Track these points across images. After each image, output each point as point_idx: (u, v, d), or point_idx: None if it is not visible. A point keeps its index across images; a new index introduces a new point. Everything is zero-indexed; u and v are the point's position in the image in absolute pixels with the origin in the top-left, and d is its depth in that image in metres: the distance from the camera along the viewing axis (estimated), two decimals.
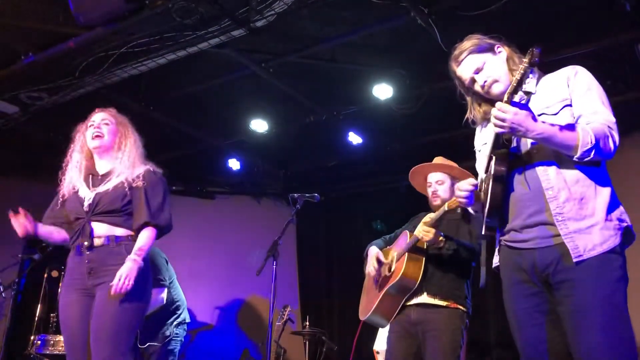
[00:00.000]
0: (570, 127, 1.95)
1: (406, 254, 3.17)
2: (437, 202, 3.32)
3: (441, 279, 3.16)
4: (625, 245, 1.97)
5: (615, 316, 1.84)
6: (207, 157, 6.55)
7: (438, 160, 3.53)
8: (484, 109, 2.22)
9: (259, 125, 5.69)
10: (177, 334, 4.55)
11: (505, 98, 1.95)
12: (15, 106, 5.04)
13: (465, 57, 2.17)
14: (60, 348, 4.63)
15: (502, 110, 1.91)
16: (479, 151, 2.31)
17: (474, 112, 2.27)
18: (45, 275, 5.17)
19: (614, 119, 1.99)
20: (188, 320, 4.75)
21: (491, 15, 3.66)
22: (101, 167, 2.96)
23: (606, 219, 1.94)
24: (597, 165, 2.00)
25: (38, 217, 6.80)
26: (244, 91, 5.18)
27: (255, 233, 6.61)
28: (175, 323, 4.55)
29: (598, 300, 1.85)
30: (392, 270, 3.29)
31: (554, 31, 4.08)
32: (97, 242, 2.76)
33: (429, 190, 3.42)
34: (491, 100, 2.13)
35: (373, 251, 3.45)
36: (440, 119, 5.16)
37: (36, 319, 5.02)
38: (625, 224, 1.97)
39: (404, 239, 3.35)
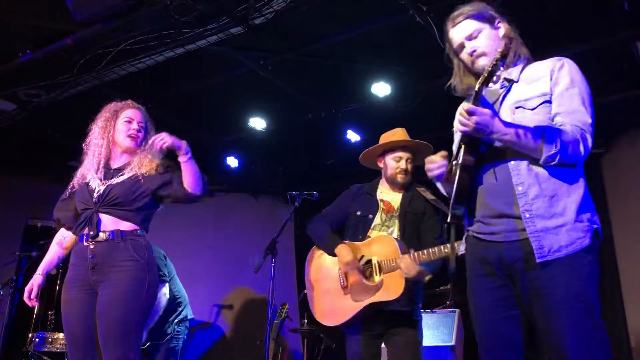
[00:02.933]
0: (538, 130, 1.89)
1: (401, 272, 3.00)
2: (405, 181, 3.23)
3: (409, 291, 3.08)
4: (597, 244, 1.92)
5: (587, 315, 1.81)
6: (205, 154, 6.50)
7: (405, 135, 3.37)
8: (467, 83, 2.16)
9: (258, 123, 5.69)
10: (178, 331, 4.51)
11: (476, 87, 1.90)
12: (13, 103, 5.02)
13: (462, 20, 2.11)
14: (59, 345, 4.63)
15: (467, 111, 1.88)
16: (456, 132, 2.20)
17: (459, 80, 2.20)
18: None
19: (590, 121, 1.93)
20: (191, 316, 4.72)
21: None
22: (118, 161, 2.93)
23: (576, 220, 1.88)
24: (571, 165, 1.94)
25: (36, 213, 6.79)
26: (243, 89, 5.17)
27: (253, 231, 6.62)
28: (176, 320, 4.51)
29: (569, 299, 1.81)
30: (377, 281, 3.08)
31: (552, 29, 4.08)
32: (102, 235, 2.71)
33: (396, 165, 3.25)
34: (475, 74, 2.08)
35: (344, 253, 3.14)
36: (439, 117, 5.14)
37: (34, 316, 5.02)
38: (595, 226, 1.91)
39: (389, 247, 3.09)
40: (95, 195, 2.77)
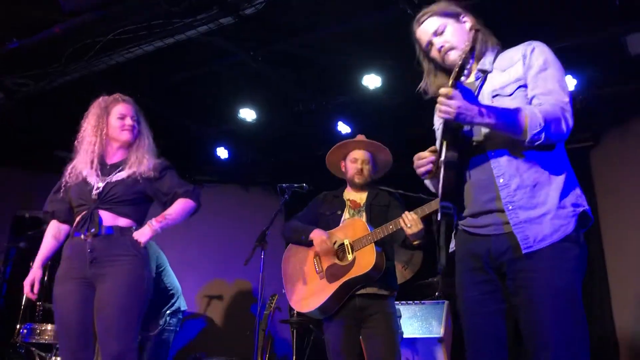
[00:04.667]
0: (518, 110, 1.87)
1: (373, 244, 3.11)
2: (361, 181, 3.37)
3: (387, 270, 3.17)
4: (581, 229, 1.92)
5: (569, 309, 1.81)
6: (195, 145, 6.51)
7: (362, 137, 3.51)
8: (439, 82, 2.14)
9: (248, 114, 5.66)
10: (170, 323, 4.50)
11: (450, 82, 1.88)
12: (0, 92, 4.96)
13: (427, 18, 2.14)
14: (47, 337, 4.61)
15: (446, 95, 1.84)
16: (437, 129, 2.22)
17: (429, 82, 2.20)
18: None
19: (567, 99, 1.92)
20: (184, 308, 4.70)
21: (480, 6, 3.64)
22: (113, 156, 2.94)
23: (559, 207, 1.88)
24: (551, 150, 1.94)
25: (24, 203, 6.74)
26: (233, 80, 5.14)
27: (243, 221, 6.61)
28: (169, 312, 4.49)
29: (552, 293, 1.81)
30: (350, 259, 3.17)
31: (544, 24, 4.08)
32: (102, 230, 2.75)
33: (353, 167, 3.41)
34: (448, 72, 2.07)
35: (318, 233, 3.26)
36: (428, 110, 5.16)
37: (22, 307, 4.99)
38: (581, 209, 1.91)
39: (359, 226, 3.21)
40: (95, 192, 2.80)
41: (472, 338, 2.00)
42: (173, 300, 4.55)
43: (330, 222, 3.37)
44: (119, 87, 4.89)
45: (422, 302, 4.47)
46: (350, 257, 3.18)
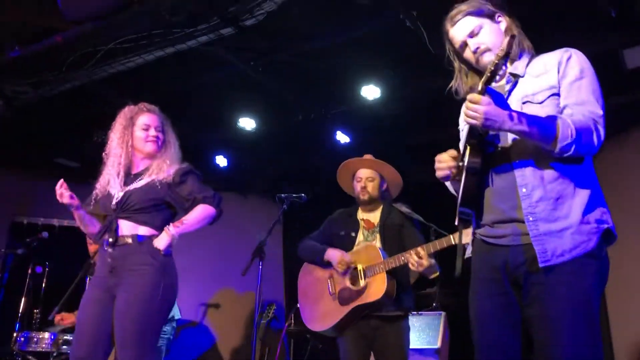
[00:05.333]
0: (550, 119, 1.81)
1: (385, 273, 3.18)
2: (366, 197, 3.46)
3: (401, 295, 3.27)
4: (604, 245, 1.86)
5: (585, 327, 1.76)
6: (194, 153, 6.50)
7: (368, 157, 3.60)
8: (471, 82, 2.09)
9: (247, 123, 5.68)
10: (164, 331, 4.49)
11: (480, 87, 1.82)
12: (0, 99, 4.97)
13: (461, 18, 2.04)
14: (44, 345, 4.59)
15: (474, 101, 1.78)
16: (462, 130, 2.17)
17: (461, 82, 2.13)
18: (30, 271, 5.12)
19: (601, 112, 1.86)
20: (178, 316, 4.70)
21: None
22: (138, 165, 2.96)
23: (581, 222, 1.82)
24: (578, 163, 1.88)
25: (21, 210, 6.72)
26: (233, 89, 5.16)
27: (241, 229, 6.61)
28: None
29: (570, 310, 1.76)
30: (362, 285, 3.25)
31: (541, 36, 4.10)
32: (120, 240, 2.77)
33: (358, 186, 3.51)
34: (480, 73, 2.01)
35: (336, 254, 3.35)
36: (427, 120, 5.21)
37: (19, 314, 4.97)
38: (605, 226, 1.85)
39: (373, 253, 3.29)
40: (114, 201, 2.82)
41: (483, 352, 1.95)
42: None
43: (344, 243, 3.44)
44: (118, 95, 4.95)
45: (420, 313, 4.48)
46: (362, 282, 3.26)
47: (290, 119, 5.59)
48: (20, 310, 4.97)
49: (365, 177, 3.50)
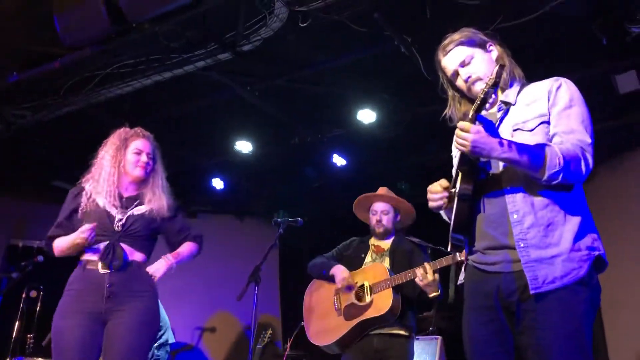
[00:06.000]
0: (539, 147, 1.84)
1: (391, 289, 3.26)
2: (381, 230, 3.59)
3: (406, 312, 3.33)
4: (595, 273, 1.87)
5: (578, 356, 1.76)
6: (191, 176, 6.53)
7: (382, 191, 3.73)
8: (464, 109, 2.10)
9: (244, 146, 5.71)
10: (158, 355, 4.46)
11: (470, 115, 1.86)
12: None
13: (453, 48, 2.07)
14: None
15: (464, 130, 1.82)
16: (455, 157, 2.17)
17: (454, 109, 2.16)
18: (24, 295, 5.08)
19: (589, 140, 1.88)
20: (172, 341, 4.67)
21: None
22: (128, 189, 2.95)
23: (572, 249, 1.82)
24: (569, 190, 1.89)
25: (18, 233, 6.69)
26: (230, 112, 5.21)
27: (237, 252, 6.59)
28: (156, 345, 4.45)
29: (562, 337, 1.76)
30: (368, 301, 3.33)
31: (535, 62, 4.16)
32: (124, 264, 2.75)
33: (373, 219, 3.65)
34: (472, 101, 2.03)
35: (340, 270, 3.46)
36: (422, 144, 5.25)
37: (13, 340, 4.92)
38: (596, 253, 1.85)
39: (380, 270, 3.39)
40: (118, 224, 2.80)
41: None
42: (161, 333, 4.51)
43: (352, 263, 3.55)
44: (116, 118, 4.97)
45: (417, 337, 4.44)
46: (368, 298, 3.35)
47: (287, 142, 5.63)
48: (14, 335, 4.92)
49: (380, 211, 3.62)
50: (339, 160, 5.84)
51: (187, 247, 2.97)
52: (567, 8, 3.44)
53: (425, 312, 4.87)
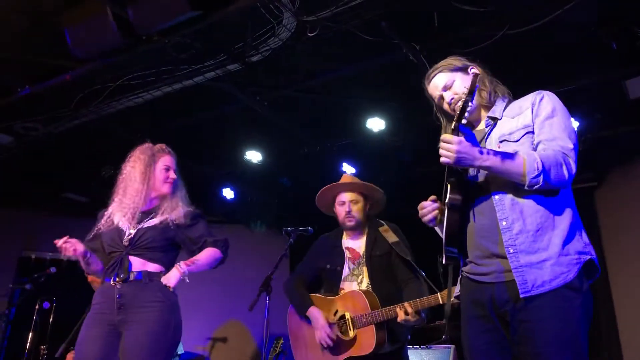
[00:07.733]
0: (518, 154, 1.91)
1: (374, 326, 3.07)
2: (352, 223, 3.31)
3: (395, 329, 3.14)
4: (588, 280, 1.90)
5: None
6: (201, 186, 6.55)
7: (348, 179, 3.47)
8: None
9: (254, 156, 5.73)
10: None
11: (453, 125, 1.93)
12: (9, 136, 5.05)
13: (436, 74, 2.20)
14: None
15: (446, 141, 1.89)
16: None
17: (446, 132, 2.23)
18: (37, 307, 5.10)
19: (571, 146, 1.94)
20: (181, 352, 4.67)
21: (482, 52, 3.73)
22: (147, 204, 2.96)
23: (561, 254, 1.86)
24: (556, 195, 1.94)
25: (30, 245, 6.74)
26: (239, 123, 5.22)
27: (247, 262, 6.58)
28: None
29: (558, 346, 1.78)
30: (352, 336, 3.14)
31: (546, 68, 4.16)
32: (130, 276, 2.77)
33: (342, 211, 3.34)
34: None
35: (317, 318, 3.20)
36: (430, 152, 5.22)
37: (26, 351, 4.94)
38: (587, 257, 1.89)
39: (359, 301, 3.14)
40: (126, 238, 2.83)
41: None
42: None
43: (332, 279, 3.34)
44: (126, 130, 5.02)
45: (429, 346, 4.42)
46: (351, 333, 3.15)
47: (297, 152, 5.64)
48: (27, 347, 4.93)
49: (349, 200, 3.32)
50: (348, 169, 5.84)
51: (204, 254, 2.91)
52: (575, 14, 3.42)
53: (438, 321, 4.84)
